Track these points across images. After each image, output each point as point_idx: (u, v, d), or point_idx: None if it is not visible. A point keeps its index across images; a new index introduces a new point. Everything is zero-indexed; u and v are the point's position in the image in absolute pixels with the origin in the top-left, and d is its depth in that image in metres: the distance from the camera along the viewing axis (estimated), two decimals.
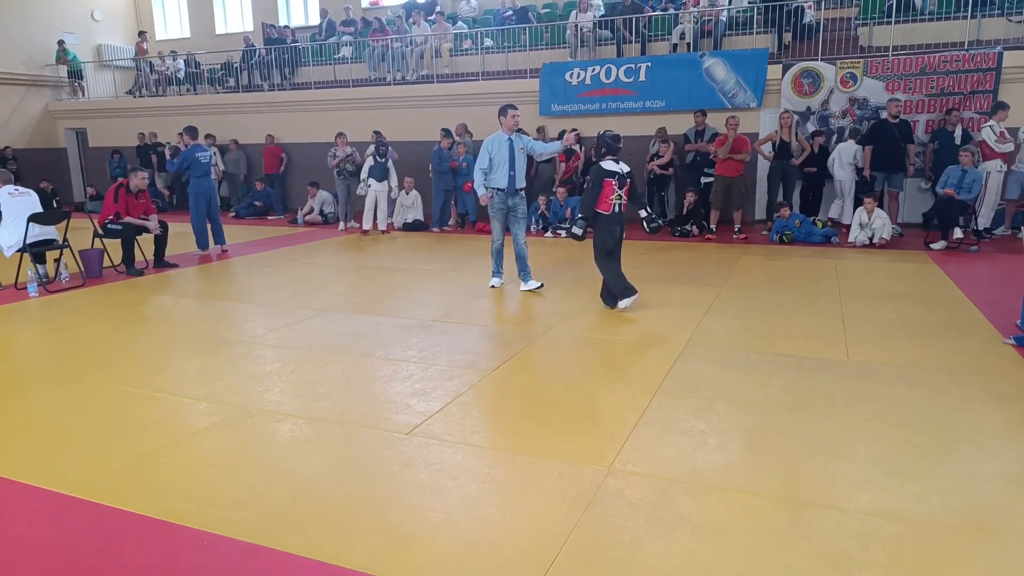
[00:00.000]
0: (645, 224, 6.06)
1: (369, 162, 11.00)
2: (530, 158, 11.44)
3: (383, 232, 11.23)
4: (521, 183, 6.68)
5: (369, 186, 11.00)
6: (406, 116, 13.58)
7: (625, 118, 11.89)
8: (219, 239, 9.44)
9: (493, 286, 6.91)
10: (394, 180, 11.19)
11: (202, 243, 9.24)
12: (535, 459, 3.22)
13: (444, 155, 11.18)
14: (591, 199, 5.82)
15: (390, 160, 11.14)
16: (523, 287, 6.72)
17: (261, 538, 2.61)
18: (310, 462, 3.22)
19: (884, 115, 9.86)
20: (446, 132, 11.44)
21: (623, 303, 5.85)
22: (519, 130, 6.66)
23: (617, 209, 5.83)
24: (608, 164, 5.80)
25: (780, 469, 3.08)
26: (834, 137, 10.50)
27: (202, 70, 16.85)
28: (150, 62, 17.23)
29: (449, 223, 11.68)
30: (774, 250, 8.84)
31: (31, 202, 7.32)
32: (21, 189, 7.38)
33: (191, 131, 9.33)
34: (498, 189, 6.57)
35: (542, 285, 6.77)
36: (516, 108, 6.62)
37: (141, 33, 18.01)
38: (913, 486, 2.91)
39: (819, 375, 4.27)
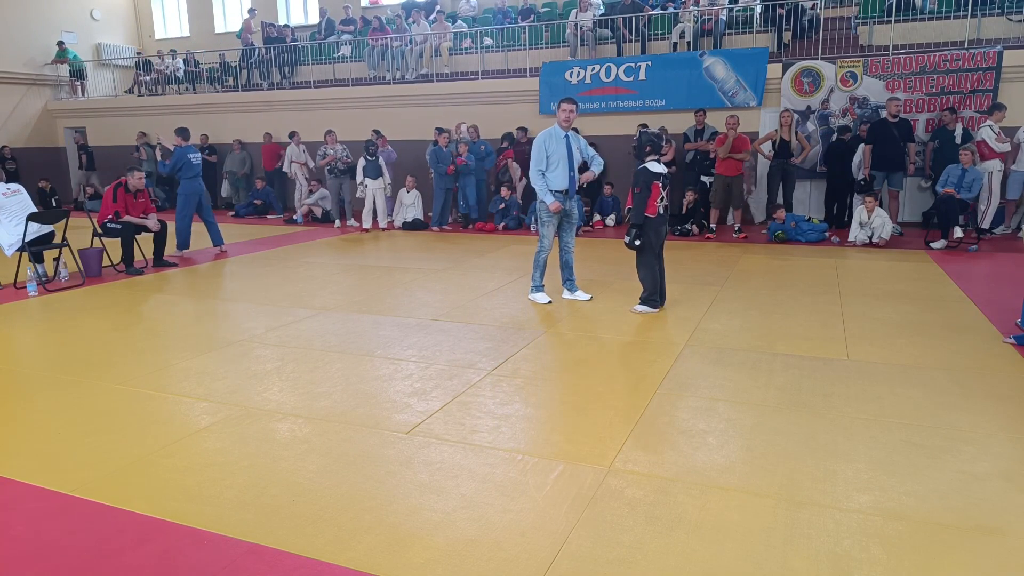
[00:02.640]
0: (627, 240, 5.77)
1: (362, 162, 11.01)
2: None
3: (382, 230, 11.25)
4: (576, 184, 6.11)
5: (366, 186, 11.02)
6: (406, 115, 13.58)
7: (625, 117, 11.89)
8: (217, 240, 9.38)
9: (537, 301, 6.20)
10: (387, 178, 11.20)
11: (183, 243, 9.10)
12: (535, 459, 3.22)
13: (441, 154, 11.17)
14: (642, 205, 5.59)
15: (381, 158, 11.14)
16: (569, 296, 6.31)
17: (261, 538, 2.61)
18: (309, 461, 3.22)
19: (884, 114, 9.86)
20: (440, 130, 11.44)
21: (639, 308, 5.82)
22: (574, 129, 6.08)
23: (662, 211, 5.68)
24: (653, 166, 5.62)
25: (780, 469, 3.08)
26: (833, 136, 10.50)
27: (201, 69, 16.84)
28: (148, 61, 17.22)
29: (448, 222, 11.69)
30: (774, 250, 8.84)
31: (24, 200, 7.32)
32: (12, 187, 7.38)
33: (183, 132, 9.25)
34: (556, 191, 5.97)
35: (592, 298, 6.28)
36: (574, 103, 5.98)
37: (251, 10, 16.68)
38: (913, 486, 2.91)
39: (819, 375, 4.27)
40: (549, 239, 6.14)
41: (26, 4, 16.81)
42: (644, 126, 10.71)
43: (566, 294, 6.37)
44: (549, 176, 5.96)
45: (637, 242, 5.66)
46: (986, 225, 9.18)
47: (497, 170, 11.78)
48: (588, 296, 6.29)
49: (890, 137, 9.40)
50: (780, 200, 10.05)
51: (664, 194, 5.67)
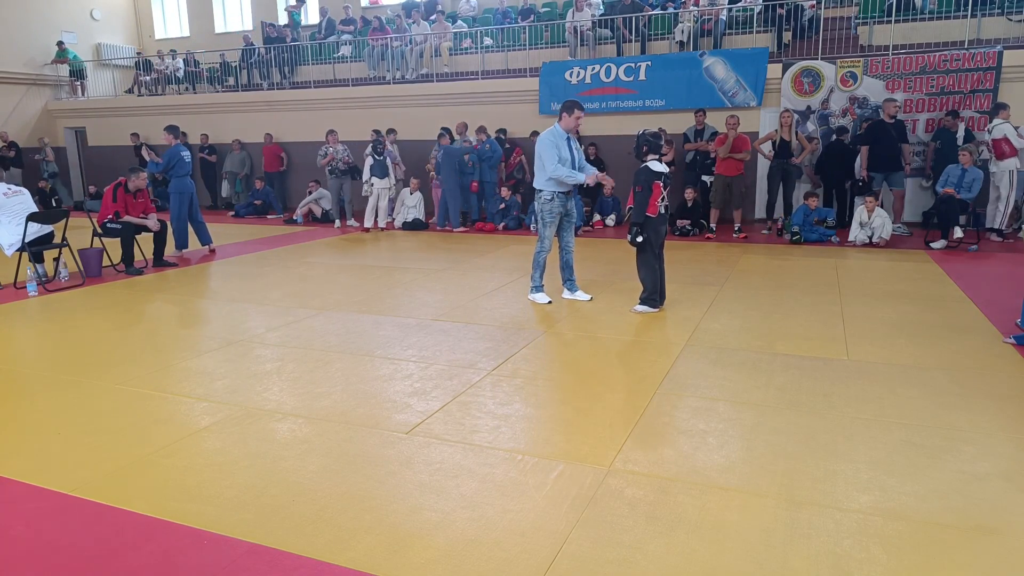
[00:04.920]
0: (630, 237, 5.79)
1: (369, 161, 11.03)
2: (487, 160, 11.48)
3: (382, 230, 11.25)
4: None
5: (372, 185, 11.04)
6: (406, 115, 13.58)
7: (625, 117, 11.90)
8: (205, 239, 9.32)
9: (537, 302, 6.20)
10: (393, 178, 11.23)
11: (181, 243, 9.04)
12: (535, 459, 3.21)
13: (454, 152, 11.12)
14: (644, 204, 5.61)
15: (388, 158, 11.15)
16: (569, 296, 6.31)
17: (261, 538, 2.60)
18: (310, 461, 3.22)
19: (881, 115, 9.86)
20: (446, 130, 11.43)
21: (639, 308, 5.81)
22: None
23: (663, 210, 5.70)
24: (655, 165, 5.64)
25: (780, 469, 3.08)
26: (833, 136, 10.50)
27: (201, 69, 16.85)
28: (148, 61, 17.23)
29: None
30: (774, 250, 8.84)
31: (26, 200, 7.32)
32: (14, 188, 7.38)
33: (173, 130, 9.17)
34: (559, 192, 5.95)
35: (592, 298, 6.26)
36: (583, 110, 6.04)
37: None
38: (913, 486, 2.91)
39: (819, 375, 4.27)
40: (549, 239, 6.13)
41: (26, 4, 16.82)
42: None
43: (566, 294, 6.36)
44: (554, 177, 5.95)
45: (639, 239, 5.66)
46: (1004, 226, 9.03)
47: (511, 168, 11.75)
48: (588, 296, 6.29)
49: (887, 138, 9.41)
50: (780, 200, 10.06)
51: (665, 194, 5.68)
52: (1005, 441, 3.34)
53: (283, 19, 17.51)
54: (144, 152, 9.23)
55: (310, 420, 3.70)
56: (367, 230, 11.24)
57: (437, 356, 4.76)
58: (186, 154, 9.05)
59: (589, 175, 6.05)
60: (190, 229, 9.18)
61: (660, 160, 5.72)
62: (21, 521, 2.78)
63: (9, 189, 7.29)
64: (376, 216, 11.26)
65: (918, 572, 2.35)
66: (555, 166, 5.86)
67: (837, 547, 2.49)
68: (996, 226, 9.08)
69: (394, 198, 11.68)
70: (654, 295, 5.80)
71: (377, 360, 4.72)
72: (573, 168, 5.98)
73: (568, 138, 5.97)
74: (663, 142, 5.73)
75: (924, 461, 3.13)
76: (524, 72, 12.91)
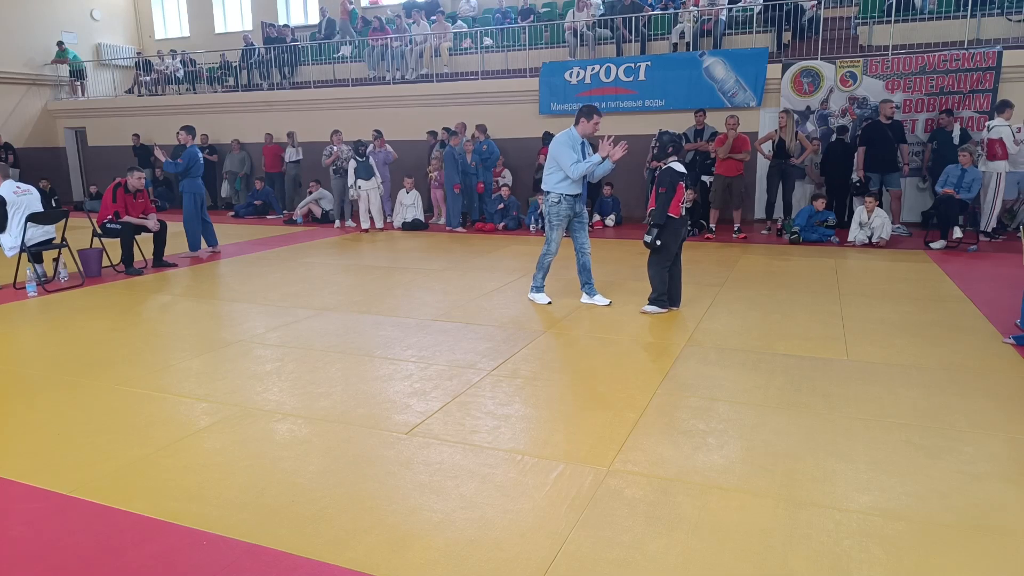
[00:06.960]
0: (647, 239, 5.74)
1: (352, 163, 11.01)
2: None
3: (381, 230, 11.26)
4: (587, 187, 6.06)
5: (359, 187, 11.03)
6: (405, 115, 13.59)
7: (625, 117, 11.89)
8: (211, 240, 9.35)
9: (537, 302, 6.20)
10: (379, 177, 11.23)
11: (194, 244, 9.06)
12: (535, 459, 3.21)
13: (457, 155, 11.09)
14: (666, 205, 5.57)
15: (371, 158, 11.13)
16: (588, 300, 6.16)
17: (260, 538, 2.60)
18: (309, 462, 3.22)
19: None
20: (452, 131, 11.44)
21: (648, 308, 5.80)
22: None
23: (685, 212, 5.69)
24: (677, 166, 5.63)
25: (780, 469, 3.08)
26: (833, 136, 10.50)
27: (201, 69, 16.86)
28: (148, 61, 17.23)
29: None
30: (774, 250, 8.84)
31: (32, 201, 7.32)
32: (23, 187, 7.38)
33: (190, 130, 9.23)
34: (567, 195, 5.92)
35: (610, 303, 6.11)
36: (601, 115, 5.94)
37: None
38: (913, 486, 2.91)
39: (819, 375, 4.27)
40: (557, 243, 6.08)
41: (26, 4, 16.82)
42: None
43: (585, 299, 6.18)
44: (565, 182, 5.87)
45: (659, 242, 5.63)
46: (990, 227, 9.07)
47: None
48: (607, 301, 6.10)
49: (884, 138, 9.41)
50: (780, 200, 10.05)
51: (686, 195, 5.67)
52: (1005, 441, 3.34)
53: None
54: (158, 152, 9.22)
55: (310, 420, 3.70)
56: (365, 231, 11.25)
57: (437, 356, 4.76)
58: (201, 155, 9.12)
59: (602, 155, 5.90)
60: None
61: (681, 161, 5.71)
62: (21, 521, 2.78)
63: (18, 187, 7.29)
64: (371, 217, 11.26)
65: (918, 572, 2.35)
66: (573, 165, 5.77)
67: (837, 547, 2.49)
68: (983, 227, 9.04)
69: (388, 196, 11.68)
70: (663, 296, 5.78)
71: (377, 360, 4.72)
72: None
73: (584, 143, 5.88)
74: (684, 144, 5.70)
75: (924, 461, 3.13)
76: (524, 72, 12.92)
